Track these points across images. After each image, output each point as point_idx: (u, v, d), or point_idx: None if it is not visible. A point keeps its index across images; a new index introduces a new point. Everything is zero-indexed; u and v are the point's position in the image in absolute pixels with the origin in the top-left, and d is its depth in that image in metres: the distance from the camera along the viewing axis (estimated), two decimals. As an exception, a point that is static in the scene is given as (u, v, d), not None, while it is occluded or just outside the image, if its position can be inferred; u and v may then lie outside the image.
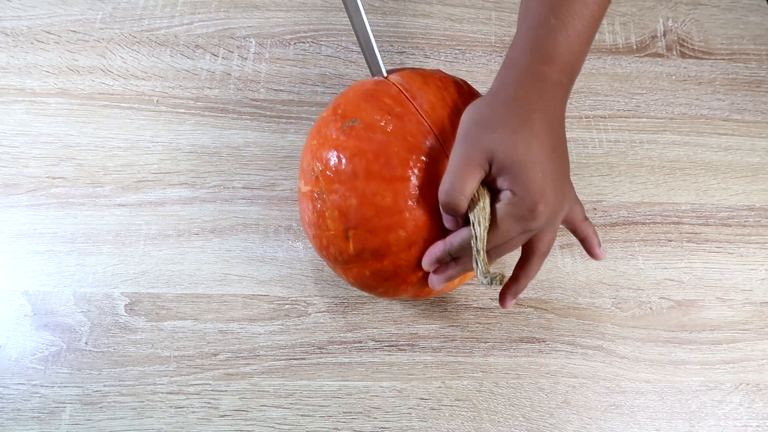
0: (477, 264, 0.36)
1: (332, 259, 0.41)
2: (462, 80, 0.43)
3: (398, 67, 0.45)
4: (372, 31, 0.43)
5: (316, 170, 0.38)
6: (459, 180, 0.34)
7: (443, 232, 0.38)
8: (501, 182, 0.35)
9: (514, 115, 0.35)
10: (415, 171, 0.37)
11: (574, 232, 0.41)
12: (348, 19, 0.44)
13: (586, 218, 0.41)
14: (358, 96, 0.40)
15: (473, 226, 0.36)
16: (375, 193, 0.37)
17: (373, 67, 0.44)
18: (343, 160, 0.37)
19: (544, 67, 0.36)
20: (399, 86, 0.40)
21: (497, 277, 0.36)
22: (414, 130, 0.38)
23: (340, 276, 0.43)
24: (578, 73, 0.39)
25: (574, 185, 0.54)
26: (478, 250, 0.35)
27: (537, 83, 0.36)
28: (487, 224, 0.36)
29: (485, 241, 0.35)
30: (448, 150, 0.38)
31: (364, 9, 0.43)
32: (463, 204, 0.35)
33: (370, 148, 0.37)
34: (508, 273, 0.40)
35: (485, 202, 0.36)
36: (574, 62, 0.37)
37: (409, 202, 0.37)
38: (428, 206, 0.37)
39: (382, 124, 0.38)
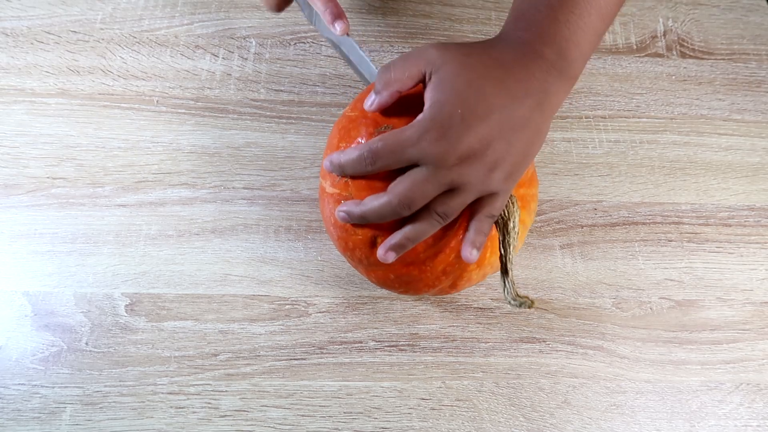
0: (505, 285, 0.34)
1: (356, 260, 0.40)
2: None
3: None
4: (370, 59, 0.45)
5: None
6: (397, 63, 0.34)
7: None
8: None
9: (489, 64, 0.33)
10: None
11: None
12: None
13: (491, 216, 0.35)
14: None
15: (502, 246, 0.34)
16: None
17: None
18: None
19: (543, 48, 0.35)
20: None
21: (526, 302, 0.34)
22: None
23: (362, 274, 0.43)
24: (580, 62, 0.37)
25: (575, 185, 0.55)
26: (506, 271, 0.34)
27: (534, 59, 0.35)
28: (516, 244, 0.34)
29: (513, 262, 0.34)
30: None
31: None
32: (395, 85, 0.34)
33: None
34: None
35: (515, 221, 0.34)
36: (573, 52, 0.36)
37: None
38: (457, 216, 0.37)
39: None
